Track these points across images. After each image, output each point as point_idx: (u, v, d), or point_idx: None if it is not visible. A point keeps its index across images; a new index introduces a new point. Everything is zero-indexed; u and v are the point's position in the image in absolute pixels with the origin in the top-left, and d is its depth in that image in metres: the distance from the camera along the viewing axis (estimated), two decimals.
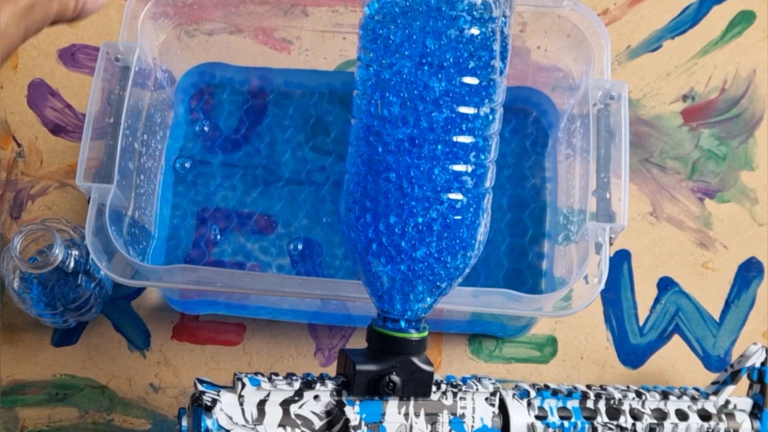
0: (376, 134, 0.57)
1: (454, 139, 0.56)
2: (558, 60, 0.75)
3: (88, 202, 0.65)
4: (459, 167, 0.56)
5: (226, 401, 0.58)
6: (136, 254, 0.70)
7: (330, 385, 0.59)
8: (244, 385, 0.58)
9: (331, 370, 0.76)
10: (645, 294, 0.78)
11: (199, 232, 0.78)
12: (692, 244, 0.80)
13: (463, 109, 0.56)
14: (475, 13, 0.55)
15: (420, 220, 0.56)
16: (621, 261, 0.79)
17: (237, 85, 0.82)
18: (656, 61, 0.84)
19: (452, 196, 0.56)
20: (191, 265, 0.73)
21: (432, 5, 0.55)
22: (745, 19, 0.85)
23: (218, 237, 0.78)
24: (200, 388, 0.58)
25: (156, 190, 0.77)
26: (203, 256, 0.77)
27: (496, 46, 0.56)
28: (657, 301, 0.78)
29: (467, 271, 0.59)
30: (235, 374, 0.59)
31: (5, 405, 0.75)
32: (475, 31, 0.55)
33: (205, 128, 0.81)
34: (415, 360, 0.58)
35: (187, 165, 0.79)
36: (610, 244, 0.65)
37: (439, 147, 0.56)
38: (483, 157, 0.57)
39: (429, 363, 0.59)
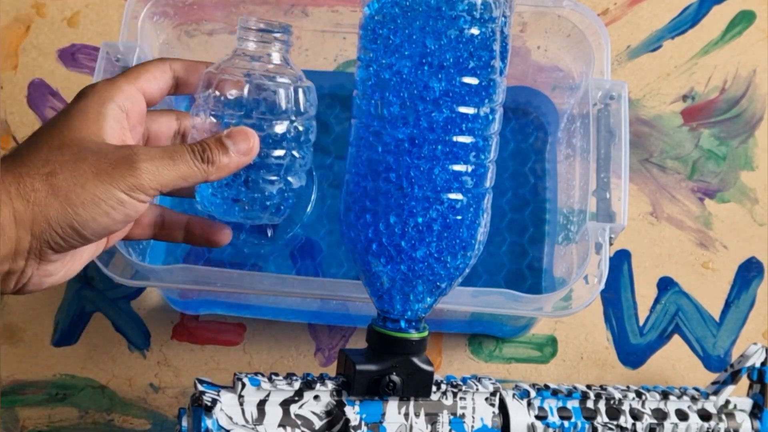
0: (376, 134, 0.57)
1: (454, 139, 0.56)
2: (558, 60, 0.75)
3: None
4: (459, 167, 0.56)
5: (226, 401, 0.58)
6: (135, 254, 0.70)
7: (330, 385, 0.59)
8: (244, 385, 0.58)
9: (331, 370, 0.76)
10: (645, 294, 0.78)
11: None
12: (692, 244, 0.80)
13: (463, 109, 0.56)
14: (475, 13, 0.55)
15: (420, 220, 0.56)
16: (621, 261, 0.79)
17: None
18: (656, 61, 0.84)
19: (452, 196, 0.56)
20: (191, 265, 0.73)
21: (432, 5, 0.55)
22: (745, 19, 0.85)
23: None
24: (200, 388, 0.58)
25: None
26: (203, 256, 0.77)
27: (496, 46, 0.56)
28: (657, 301, 0.78)
29: (467, 271, 0.59)
30: (235, 374, 0.59)
31: (5, 405, 0.75)
32: (475, 31, 0.55)
33: None
34: (415, 360, 0.58)
35: None
36: (610, 244, 0.65)
37: (439, 147, 0.56)
38: (483, 157, 0.57)
39: (429, 363, 0.59)
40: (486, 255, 0.75)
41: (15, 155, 0.50)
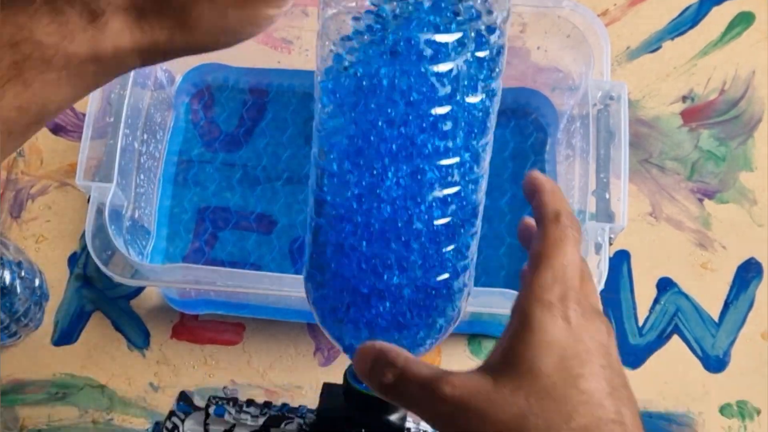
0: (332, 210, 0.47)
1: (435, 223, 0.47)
2: (558, 61, 0.75)
3: (88, 201, 0.65)
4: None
5: (189, 427, 0.56)
6: (135, 253, 0.70)
7: (296, 424, 0.56)
8: (208, 414, 0.56)
9: (331, 370, 0.76)
10: (644, 294, 0.79)
11: (198, 231, 0.78)
12: (691, 244, 0.80)
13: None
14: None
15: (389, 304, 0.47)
16: (620, 261, 0.79)
17: (237, 85, 0.82)
18: (656, 62, 0.84)
19: (440, 278, 0.49)
20: (191, 265, 0.74)
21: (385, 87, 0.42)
22: (744, 20, 0.85)
23: (218, 236, 0.78)
24: (174, 408, 0.56)
25: (156, 189, 0.77)
26: (203, 256, 0.77)
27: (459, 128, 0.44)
28: (656, 301, 0.78)
29: (445, 336, 0.51)
30: (210, 398, 0.58)
31: (5, 404, 0.75)
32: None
33: (205, 128, 0.81)
34: (391, 418, 0.51)
35: (187, 165, 0.79)
36: (610, 244, 0.65)
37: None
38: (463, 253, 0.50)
39: (403, 420, 0.52)
40: (485, 256, 0.75)
41: None
